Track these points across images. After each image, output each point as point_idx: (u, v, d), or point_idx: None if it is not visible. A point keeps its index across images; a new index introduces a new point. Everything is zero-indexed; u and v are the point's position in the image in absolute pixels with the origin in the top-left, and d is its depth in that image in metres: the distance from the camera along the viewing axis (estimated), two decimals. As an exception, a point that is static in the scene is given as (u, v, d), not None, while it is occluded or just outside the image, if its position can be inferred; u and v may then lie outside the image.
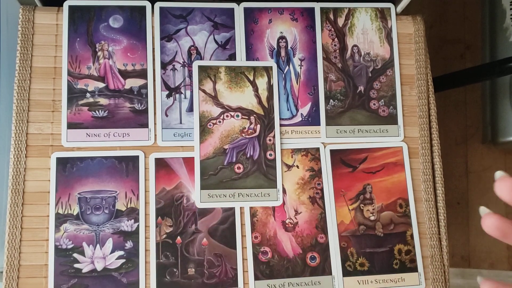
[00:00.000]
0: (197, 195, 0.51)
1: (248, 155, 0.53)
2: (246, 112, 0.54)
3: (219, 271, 0.50)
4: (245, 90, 0.54)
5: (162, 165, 0.52)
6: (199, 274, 0.50)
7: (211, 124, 0.53)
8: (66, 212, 0.50)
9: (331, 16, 0.57)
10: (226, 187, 0.52)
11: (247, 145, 0.53)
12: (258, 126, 0.53)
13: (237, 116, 0.53)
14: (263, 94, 0.54)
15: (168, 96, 0.54)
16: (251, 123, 0.53)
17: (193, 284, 0.50)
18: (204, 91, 0.53)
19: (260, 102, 0.54)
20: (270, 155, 0.53)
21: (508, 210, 1.04)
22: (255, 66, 0.54)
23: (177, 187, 0.52)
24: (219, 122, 0.53)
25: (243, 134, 0.53)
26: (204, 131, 0.53)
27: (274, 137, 0.53)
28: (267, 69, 0.55)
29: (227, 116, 0.53)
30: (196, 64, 0.54)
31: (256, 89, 0.54)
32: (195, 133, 0.52)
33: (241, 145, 0.53)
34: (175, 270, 0.50)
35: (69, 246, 0.50)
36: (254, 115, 0.54)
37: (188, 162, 0.52)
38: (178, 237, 0.51)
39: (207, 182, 0.52)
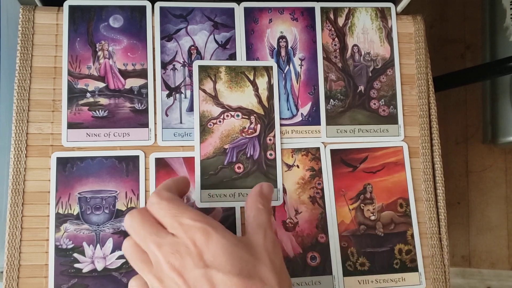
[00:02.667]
0: (197, 195, 0.51)
1: (248, 154, 0.53)
2: (246, 112, 0.54)
3: (220, 271, 0.50)
4: (245, 90, 0.54)
5: (162, 165, 0.52)
6: (200, 274, 0.50)
7: (211, 123, 0.53)
8: (66, 212, 0.50)
9: (331, 16, 0.57)
10: (226, 186, 0.52)
11: (247, 144, 0.53)
12: (258, 125, 0.53)
13: (237, 115, 0.53)
14: (263, 94, 0.54)
15: (168, 96, 0.54)
16: (251, 123, 0.53)
17: (193, 284, 0.50)
18: (204, 90, 0.53)
19: (260, 101, 0.54)
20: (271, 154, 0.53)
21: (509, 210, 1.04)
22: (256, 66, 0.54)
23: (177, 187, 0.52)
24: (219, 122, 0.53)
25: (243, 134, 0.53)
26: (205, 130, 0.53)
27: (274, 136, 0.53)
28: (267, 69, 0.55)
29: (227, 115, 0.53)
30: (196, 64, 0.53)
31: (256, 88, 0.54)
32: (196, 133, 0.52)
33: (241, 145, 0.53)
34: (175, 270, 0.50)
35: (69, 246, 0.49)
36: (254, 115, 0.54)
37: (188, 162, 0.52)
38: (179, 237, 0.51)
39: (207, 181, 0.52)
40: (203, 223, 0.38)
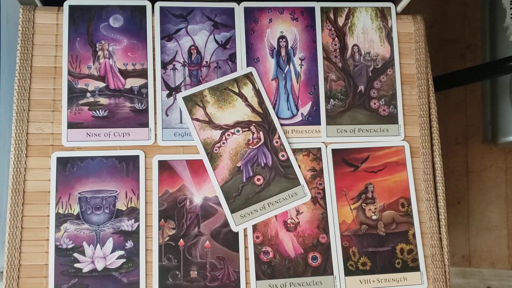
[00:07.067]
0: (230, 220, 0.51)
1: (262, 164, 0.53)
2: (244, 125, 0.53)
3: (222, 274, 0.50)
4: (236, 104, 0.54)
5: (165, 167, 0.52)
6: (202, 277, 0.50)
7: (217, 148, 0.52)
8: (66, 212, 0.50)
9: (331, 16, 0.57)
10: (253, 202, 0.52)
11: (257, 155, 0.53)
12: (261, 133, 0.53)
13: (238, 131, 0.53)
14: (254, 101, 0.54)
15: (168, 95, 0.54)
16: (253, 133, 0.53)
17: (195, 287, 0.50)
18: (197, 119, 0.53)
19: (253, 110, 0.54)
20: (283, 156, 0.53)
21: (509, 210, 1.04)
22: (236, 77, 0.54)
23: (180, 190, 0.51)
24: (223, 143, 0.53)
25: (250, 146, 0.53)
26: (212, 157, 0.52)
27: (279, 138, 0.53)
28: (248, 76, 0.54)
29: (228, 135, 0.53)
30: (180, 97, 0.53)
31: (245, 99, 0.54)
32: (205, 163, 0.52)
33: (252, 157, 0.53)
34: (177, 272, 0.50)
35: (70, 246, 0.49)
36: (253, 124, 0.53)
37: (191, 164, 0.52)
38: (181, 239, 0.51)
39: (234, 204, 0.51)
40: None
